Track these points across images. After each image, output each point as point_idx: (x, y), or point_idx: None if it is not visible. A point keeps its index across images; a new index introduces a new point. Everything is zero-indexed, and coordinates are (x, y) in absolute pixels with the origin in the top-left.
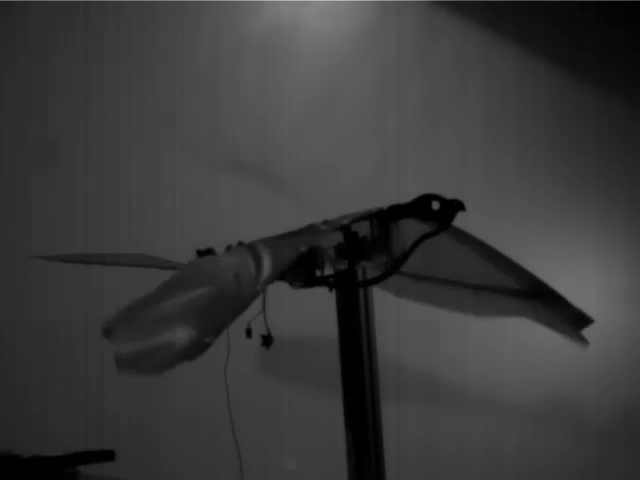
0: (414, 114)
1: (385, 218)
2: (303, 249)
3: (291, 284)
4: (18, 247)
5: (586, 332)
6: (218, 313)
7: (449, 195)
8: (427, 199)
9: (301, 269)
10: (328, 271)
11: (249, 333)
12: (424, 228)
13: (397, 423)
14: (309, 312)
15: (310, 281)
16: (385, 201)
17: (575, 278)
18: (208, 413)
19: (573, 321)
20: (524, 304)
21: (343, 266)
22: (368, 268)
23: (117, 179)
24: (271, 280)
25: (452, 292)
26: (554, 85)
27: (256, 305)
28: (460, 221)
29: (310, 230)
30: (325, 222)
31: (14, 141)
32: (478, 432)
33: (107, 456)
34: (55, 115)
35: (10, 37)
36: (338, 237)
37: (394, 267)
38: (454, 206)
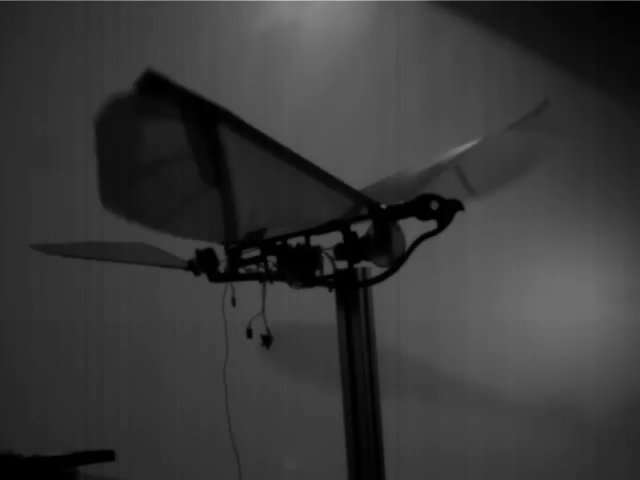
0: (414, 113)
1: (385, 218)
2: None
3: (291, 284)
4: (18, 247)
5: (586, 332)
6: None
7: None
8: (426, 199)
9: (301, 269)
10: (328, 271)
11: (249, 333)
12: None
13: (397, 423)
14: (309, 312)
15: (310, 281)
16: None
17: (575, 278)
18: (208, 413)
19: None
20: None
21: (343, 266)
22: (368, 268)
23: None
24: None
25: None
26: (554, 84)
27: (256, 305)
28: (459, 221)
29: None
30: None
31: (14, 141)
32: (478, 432)
33: (107, 456)
34: (55, 115)
35: (10, 37)
36: (338, 237)
37: (394, 267)
38: (453, 206)
